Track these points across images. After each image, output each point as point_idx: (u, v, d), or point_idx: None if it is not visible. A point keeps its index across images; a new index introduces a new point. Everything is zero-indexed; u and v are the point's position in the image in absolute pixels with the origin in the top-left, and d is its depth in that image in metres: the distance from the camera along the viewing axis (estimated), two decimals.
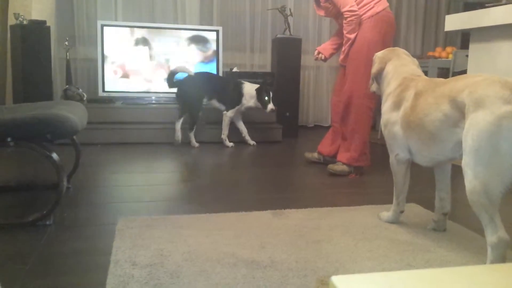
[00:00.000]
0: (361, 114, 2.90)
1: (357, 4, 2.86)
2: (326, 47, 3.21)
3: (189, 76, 3.89)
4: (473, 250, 1.73)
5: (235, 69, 4.60)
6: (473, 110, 1.43)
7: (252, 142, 4.01)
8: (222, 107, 3.94)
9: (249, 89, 3.88)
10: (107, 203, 2.25)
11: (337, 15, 3.04)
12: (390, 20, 2.89)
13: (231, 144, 3.91)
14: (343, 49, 2.98)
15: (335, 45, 3.18)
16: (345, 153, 2.95)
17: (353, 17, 2.82)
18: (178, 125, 3.87)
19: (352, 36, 2.87)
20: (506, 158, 1.35)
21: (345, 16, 2.84)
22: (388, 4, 2.92)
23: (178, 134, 3.86)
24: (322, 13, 3.16)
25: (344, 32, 2.90)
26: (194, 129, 3.88)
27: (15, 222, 1.90)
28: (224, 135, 3.93)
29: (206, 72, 4.09)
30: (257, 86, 3.87)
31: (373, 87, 2.10)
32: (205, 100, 3.93)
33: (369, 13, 2.84)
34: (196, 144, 3.88)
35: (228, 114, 3.90)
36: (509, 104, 1.35)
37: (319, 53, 3.21)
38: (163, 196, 2.40)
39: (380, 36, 2.82)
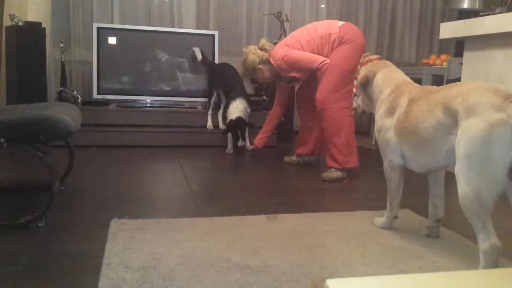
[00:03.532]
0: (335, 117, 2.92)
1: (320, 46, 2.97)
2: (260, 139, 3.48)
3: (217, 64, 4.16)
4: (465, 256, 1.73)
5: None
6: (465, 117, 1.44)
7: (248, 147, 3.95)
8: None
9: (232, 110, 3.74)
10: (100, 206, 2.23)
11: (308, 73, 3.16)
12: (351, 29, 2.98)
13: (229, 149, 3.84)
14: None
15: (267, 137, 3.51)
16: (332, 159, 2.96)
17: (327, 65, 2.92)
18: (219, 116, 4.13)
19: None
20: (498, 164, 1.36)
21: (319, 68, 2.94)
22: (337, 20, 3.06)
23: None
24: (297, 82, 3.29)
25: (319, 80, 2.99)
26: (208, 111, 4.09)
27: (7, 224, 1.89)
28: (228, 139, 3.90)
29: (227, 64, 4.11)
30: (234, 116, 3.71)
31: (362, 105, 2.11)
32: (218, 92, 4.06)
33: (336, 42, 2.94)
34: (211, 127, 4.07)
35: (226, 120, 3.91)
36: (501, 111, 1.37)
37: (254, 145, 3.51)
38: (157, 199, 2.40)
39: (353, 47, 2.93)
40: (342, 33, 2.93)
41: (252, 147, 3.55)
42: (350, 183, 2.92)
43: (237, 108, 3.74)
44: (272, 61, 3.10)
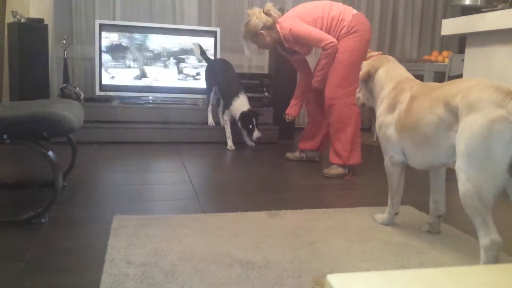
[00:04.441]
0: (342, 113, 2.91)
1: (329, 27, 2.91)
2: (292, 107, 3.37)
3: (213, 60, 4.19)
4: (466, 252, 1.74)
5: None
6: (466, 113, 1.44)
7: (250, 143, 3.99)
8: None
9: (238, 106, 3.77)
10: (102, 202, 2.24)
11: (306, 51, 3.12)
12: (363, 21, 2.94)
13: (231, 146, 3.85)
14: (318, 73, 3.01)
15: (300, 103, 3.36)
16: (336, 154, 2.96)
17: (333, 48, 2.87)
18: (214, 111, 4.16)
19: (329, 60, 2.93)
20: (498, 161, 1.37)
21: (326, 49, 2.88)
22: (352, 8, 2.99)
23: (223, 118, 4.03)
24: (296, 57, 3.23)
25: (322, 60, 2.95)
26: (208, 108, 4.12)
27: (10, 220, 1.90)
28: (226, 137, 3.91)
29: (223, 60, 4.11)
30: (245, 108, 3.74)
31: (362, 98, 2.11)
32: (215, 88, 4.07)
33: (344, 30, 2.89)
34: (213, 123, 4.09)
35: (224, 117, 3.91)
36: (502, 108, 1.37)
37: (288, 115, 3.38)
38: (159, 195, 2.41)
39: (360, 41, 2.90)
40: (354, 23, 2.87)
41: (288, 119, 3.44)
42: (351, 179, 2.93)
43: (243, 104, 3.76)
44: (279, 29, 3.00)
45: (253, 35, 3.11)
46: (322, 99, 3.03)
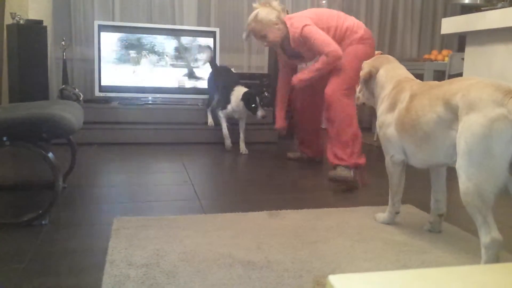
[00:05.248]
0: (344, 111, 2.87)
1: (342, 37, 2.89)
2: (279, 120, 3.37)
3: (218, 66, 4.20)
4: (468, 251, 1.74)
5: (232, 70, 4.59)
6: (466, 112, 1.44)
7: (243, 151, 3.74)
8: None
9: (238, 92, 3.70)
10: (103, 203, 2.24)
11: (310, 55, 3.06)
12: (371, 35, 2.97)
13: (228, 144, 3.81)
14: (308, 74, 2.94)
15: (283, 111, 3.37)
16: (335, 156, 2.92)
17: (335, 59, 2.81)
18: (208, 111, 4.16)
19: (325, 68, 2.88)
20: (498, 160, 1.37)
21: (328, 55, 2.82)
22: (361, 23, 2.99)
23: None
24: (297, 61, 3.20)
25: (319, 64, 2.88)
26: (208, 109, 4.12)
27: (11, 222, 1.90)
28: (224, 137, 3.87)
29: (225, 67, 4.12)
30: (244, 91, 3.65)
31: (361, 98, 2.10)
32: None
33: (357, 38, 2.88)
34: (212, 123, 4.09)
35: (220, 114, 3.88)
36: (502, 106, 1.37)
37: (278, 129, 3.43)
38: (159, 196, 2.40)
39: (371, 49, 2.91)
40: (366, 36, 2.91)
41: (282, 134, 3.42)
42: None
43: (242, 89, 3.67)
44: (289, 27, 2.92)
45: (265, 25, 2.97)
46: (307, 101, 3.03)
